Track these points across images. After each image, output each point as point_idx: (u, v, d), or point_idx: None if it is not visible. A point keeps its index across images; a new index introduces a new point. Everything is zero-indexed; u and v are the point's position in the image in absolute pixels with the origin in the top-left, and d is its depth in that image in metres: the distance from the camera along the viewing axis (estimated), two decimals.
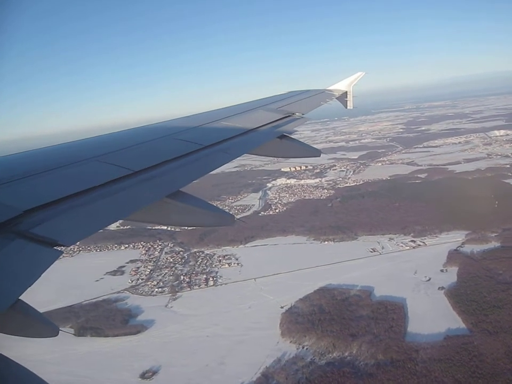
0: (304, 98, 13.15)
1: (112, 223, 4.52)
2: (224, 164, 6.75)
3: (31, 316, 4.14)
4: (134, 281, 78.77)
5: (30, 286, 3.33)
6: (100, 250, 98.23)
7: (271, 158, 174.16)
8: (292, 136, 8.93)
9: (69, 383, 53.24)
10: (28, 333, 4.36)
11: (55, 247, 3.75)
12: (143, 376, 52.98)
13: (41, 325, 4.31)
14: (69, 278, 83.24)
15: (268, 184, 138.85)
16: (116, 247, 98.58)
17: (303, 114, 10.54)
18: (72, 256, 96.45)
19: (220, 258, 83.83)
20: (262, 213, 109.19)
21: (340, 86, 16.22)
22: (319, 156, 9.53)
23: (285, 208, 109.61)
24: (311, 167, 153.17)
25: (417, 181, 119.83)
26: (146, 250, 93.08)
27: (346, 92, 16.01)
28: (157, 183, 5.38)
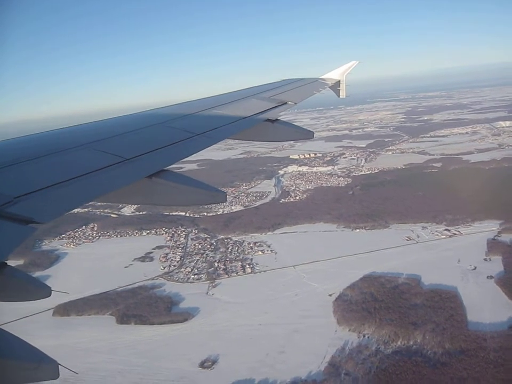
0: (297, 87, 13.13)
1: (89, 201, 4.88)
2: (206, 148, 6.89)
3: (21, 279, 4.24)
4: (166, 268, 76.59)
5: (3, 259, 3.54)
6: (120, 236, 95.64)
7: (276, 145, 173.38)
8: (284, 119, 9.14)
9: (125, 372, 51.49)
10: (19, 296, 4.48)
11: (30, 224, 3.88)
12: (202, 365, 51.23)
13: (33, 287, 4.43)
14: (96, 264, 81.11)
15: (279, 171, 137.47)
16: (136, 233, 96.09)
17: (295, 104, 10.69)
18: (92, 242, 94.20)
19: (251, 245, 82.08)
20: (282, 200, 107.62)
21: (333, 74, 16.22)
22: (312, 138, 9.68)
23: (305, 196, 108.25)
24: (320, 155, 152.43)
25: (434, 170, 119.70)
26: (170, 237, 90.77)
27: (339, 80, 16.04)
28: (137, 164, 5.55)
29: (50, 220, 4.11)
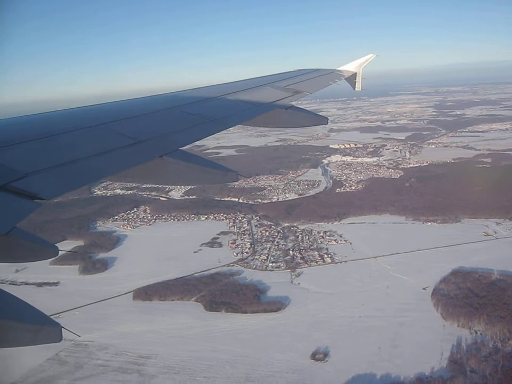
0: (313, 77, 13.14)
1: (96, 180, 5.05)
2: (219, 132, 7.02)
3: (28, 239, 4.58)
4: (239, 255, 74.45)
5: (5, 231, 3.54)
6: (178, 220, 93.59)
7: (311, 133, 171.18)
8: (298, 106, 9.37)
9: (232, 362, 49.54)
10: (28, 256, 4.85)
11: (36, 200, 3.93)
12: (314, 357, 49.33)
13: (40, 246, 4.79)
14: (163, 248, 79.25)
15: (323, 160, 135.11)
16: (193, 217, 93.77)
17: (310, 94, 10.77)
18: (149, 224, 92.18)
19: (322, 235, 80.00)
20: (338, 189, 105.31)
21: (350, 67, 16.23)
22: (327, 124, 9.95)
23: (360, 186, 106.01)
24: (361, 145, 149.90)
25: (486, 166, 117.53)
26: (232, 222, 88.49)
27: (355, 73, 16.03)
28: (149, 145, 5.66)
29: (55, 197, 4.11)
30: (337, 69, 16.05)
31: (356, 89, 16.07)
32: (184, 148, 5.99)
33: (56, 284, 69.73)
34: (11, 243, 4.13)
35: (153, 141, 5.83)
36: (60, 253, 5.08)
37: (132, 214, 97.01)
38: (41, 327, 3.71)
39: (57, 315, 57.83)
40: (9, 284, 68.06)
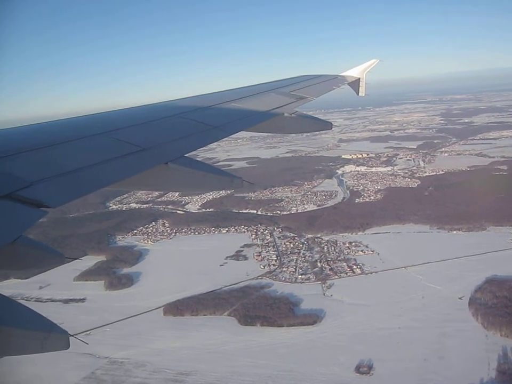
0: (316, 83, 13.14)
1: (101, 188, 4.86)
2: (222, 139, 7.10)
3: (35, 247, 4.62)
4: (266, 267, 73.58)
5: (11, 240, 3.49)
6: (198, 233, 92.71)
7: (321, 144, 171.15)
8: (302, 112, 9.28)
9: (274, 377, 48.53)
10: (35, 264, 4.92)
11: (42, 208, 3.92)
12: (359, 370, 48.30)
13: (47, 254, 4.80)
14: (187, 262, 78.57)
15: (337, 171, 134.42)
16: (214, 230, 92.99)
17: (314, 99, 10.78)
18: (169, 238, 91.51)
19: (347, 245, 79.17)
20: (357, 199, 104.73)
21: (353, 72, 16.22)
22: (331, 129, 10.08)
23: (379, 196, 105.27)
24: (373, 155, 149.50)
25: (503, 173, 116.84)
26: (255, 235, 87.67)
27: (359, 78, 16.01)
28: (153, 153, 5.65)
29: (60, 205, 4.13)
30: (340, 74, 16.11)
31: (360, 94, 16.02)
32: (189, 154, 6.00)
33: (82, 300, 68.86)
34: (18, 251, 4.15)
35: (158, 148, 5.88)
36: (66, 260, 5.17)
37: (151, 228, 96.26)
38: (49, 335, 3.70)
39: (87, 332, 57.10)
40: (35, 301, 67.12)
